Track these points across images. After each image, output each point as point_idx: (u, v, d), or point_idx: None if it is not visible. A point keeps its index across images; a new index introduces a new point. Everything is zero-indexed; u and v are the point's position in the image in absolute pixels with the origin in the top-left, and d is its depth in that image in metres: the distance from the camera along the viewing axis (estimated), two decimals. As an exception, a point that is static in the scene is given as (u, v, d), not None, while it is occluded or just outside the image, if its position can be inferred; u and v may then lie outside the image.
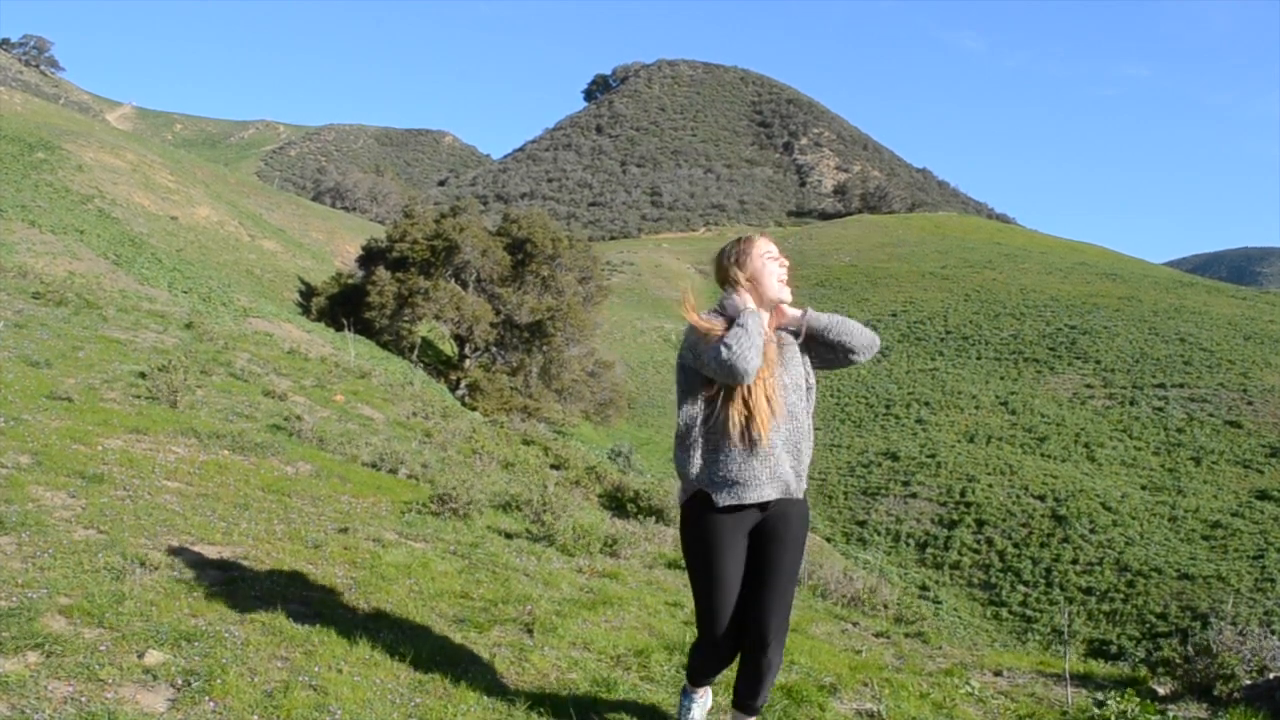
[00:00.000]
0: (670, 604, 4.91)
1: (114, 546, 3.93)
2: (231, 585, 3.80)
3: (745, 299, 2.80)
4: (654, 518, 9.84)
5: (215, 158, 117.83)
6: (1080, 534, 29.15)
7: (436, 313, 33.94)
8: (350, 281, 37.55)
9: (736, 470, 2.71)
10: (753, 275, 2.82)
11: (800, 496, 2.82)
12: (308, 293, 37.09)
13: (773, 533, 2.77)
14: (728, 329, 2.69)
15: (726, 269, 2.86)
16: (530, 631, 3.92)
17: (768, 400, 2.71)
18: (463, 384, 34.16)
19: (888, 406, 43.68)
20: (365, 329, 32.86)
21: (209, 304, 21.47)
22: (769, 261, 2.83)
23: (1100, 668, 4.99)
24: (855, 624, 5.75)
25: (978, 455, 36.16)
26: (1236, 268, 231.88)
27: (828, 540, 28.57)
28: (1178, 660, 4.41)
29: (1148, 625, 24.26)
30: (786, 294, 2.86)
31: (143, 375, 8.63)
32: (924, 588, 27.53)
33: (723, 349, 2.60)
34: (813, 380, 2.87)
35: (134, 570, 3.66)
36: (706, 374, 2.69)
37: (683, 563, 3.45)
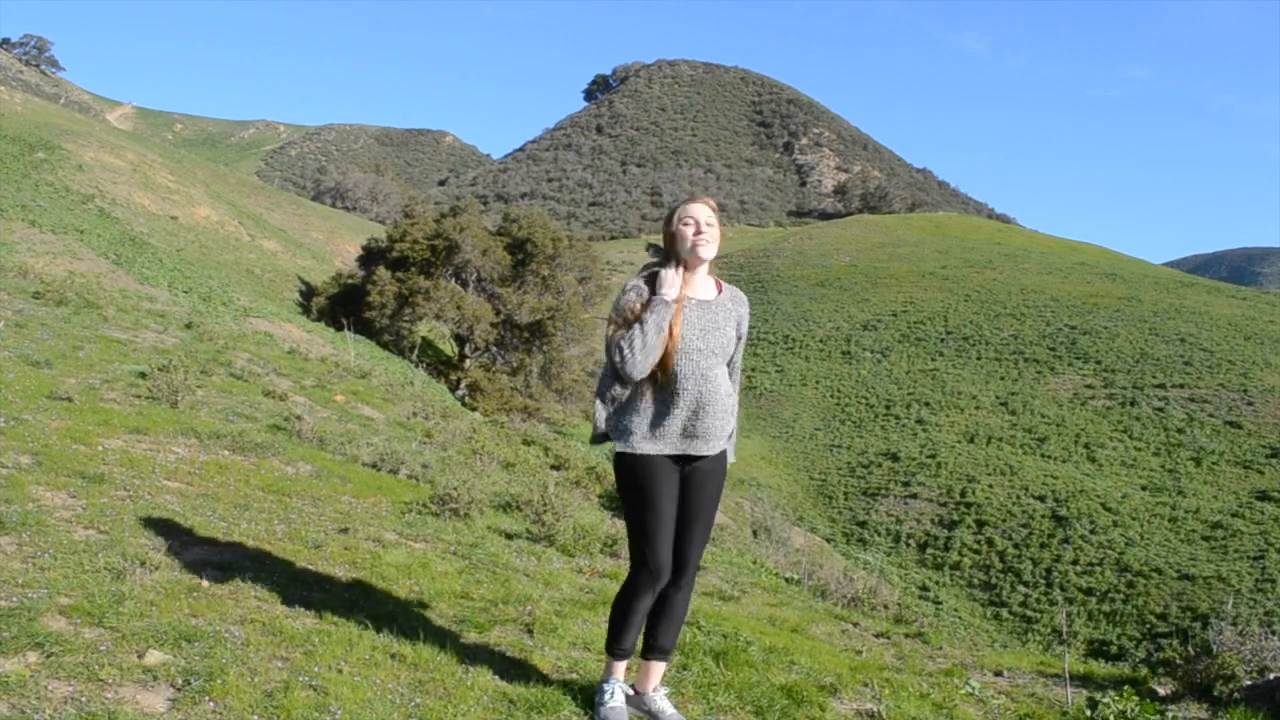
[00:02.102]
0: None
1: (114, 546, 3.93)
2: (231, 585, 3.80)
3: (670, 279, 2.98)
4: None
5: (215, 157, 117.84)
6: (1080, 534, 29.15)
7: (437, 312, 33.93)
8: (350, 281, 37.55)
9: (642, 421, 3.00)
10: (670, 235, 3.05)
11: (713, 454, 3.05)
12: (308, 292, 37.09)
13: (697, 484, 3.04)
14: (646, 305, 2.95)
15: (663, 229, 3.09)
16: (530, 632, 3.92)
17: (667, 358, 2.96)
18: (463, 384, 34.15)
19: (888, 407, 43.69)
20: (365, 329, 32.86)
21: (209, 304, 21.49)
22: (681, 226, 3.00)
23: (1100, 668, 4.99)
24: (855, 624, 5.75)
25: (978, 455, 36.17)
26: (1237, 268, 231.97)
27: (828, 540, 28.57)
28: (1178, 660, 4.41)
29: (1148, 625, 24.27)
30: (704, 253, 3.00)
31: (143, 375, 8.63)
32: (924, 588, 27.54)
33: (617, 352, 2.90)
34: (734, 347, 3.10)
35: (134, 570, 3.66)
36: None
37: None
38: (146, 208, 34.96)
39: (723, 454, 3.10)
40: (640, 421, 2.97)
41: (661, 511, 2.98)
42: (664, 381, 2.95)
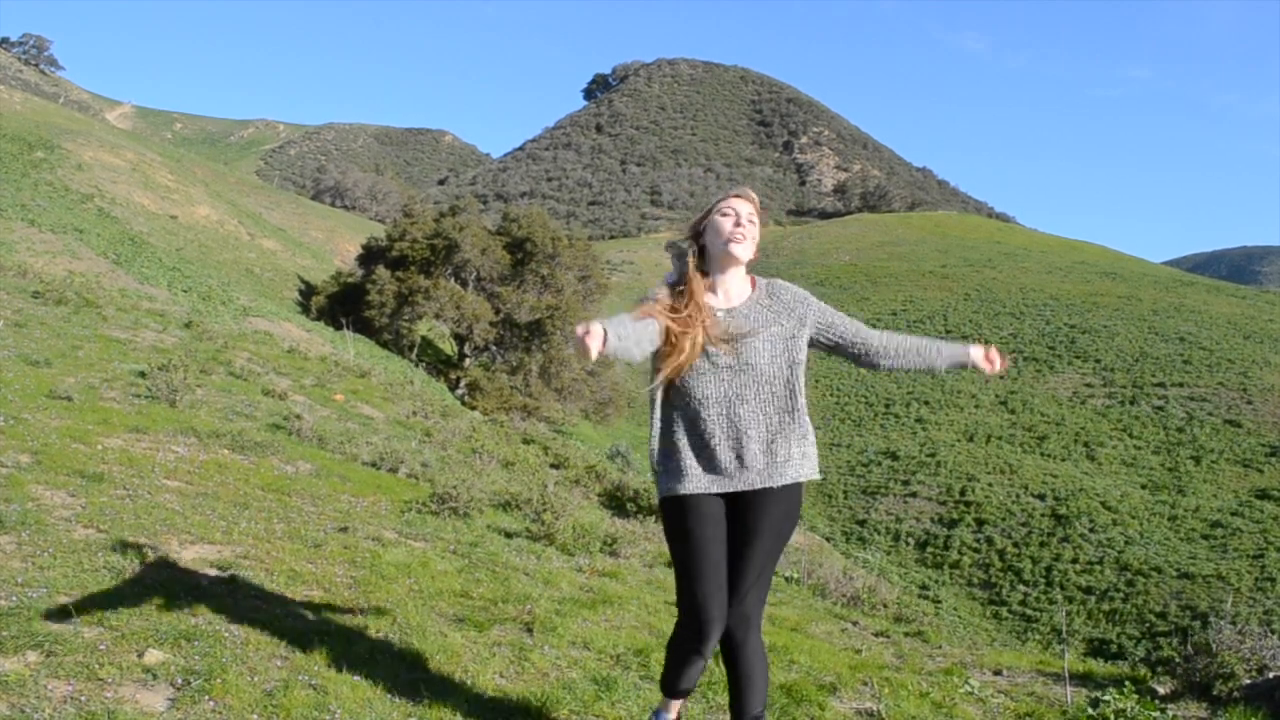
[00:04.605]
0: (670, 603, 4.91)
1: (113, 546, 3.94)
2: (232, 584, 3.80)
3: (663, 288, 2.64)
4: (653, 517, 9.83)
5: (215, 157, 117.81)
6: (1080, 533, 29.17)
7: (436, 312, 33.95)
8: (350, 280, 37.54)
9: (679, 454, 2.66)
10: (705, 227, 2.66)
11: (758, 487, 2.59)
12: (307, 292, 37.10)
13: (743, 522, 2.62)
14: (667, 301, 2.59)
15: (692, 225, 2.71)
16: (530, 630, 3.92)
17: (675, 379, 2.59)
18: (462, 383, 34.15)
19: (887, 405, 43.70)
20: (365, 328, 32.87)
21: (209, 303, 21.48)
22: (719, 217, 2.63)
23: (1100, 667, 4.99)
24: (855, 623, 5.75)
25: (977, 454, 36.18)
26: (1236, 267, 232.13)
27: (827, 540, 28.57)
28: (1177, 659, 4.41)
29: (1148, 624, 24.28)
30: (739, 251, 2.61)
31: (142, 374, 8.63)
32: (924, 587, 27.55)
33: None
34: (787, 365, 2.60)
35: (134, 569, 3.66)
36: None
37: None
38: (146, 207, 34.95)
39: (774, 509, 2.60)
40: (677, 457, 2.60)
41: (704, 555, 2.56)
42: (685, 419, 2.59)
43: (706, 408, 2.56)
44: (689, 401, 2.58)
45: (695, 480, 2.57)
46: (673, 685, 2.76)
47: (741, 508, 2.61)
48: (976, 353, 2.72)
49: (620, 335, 2.41)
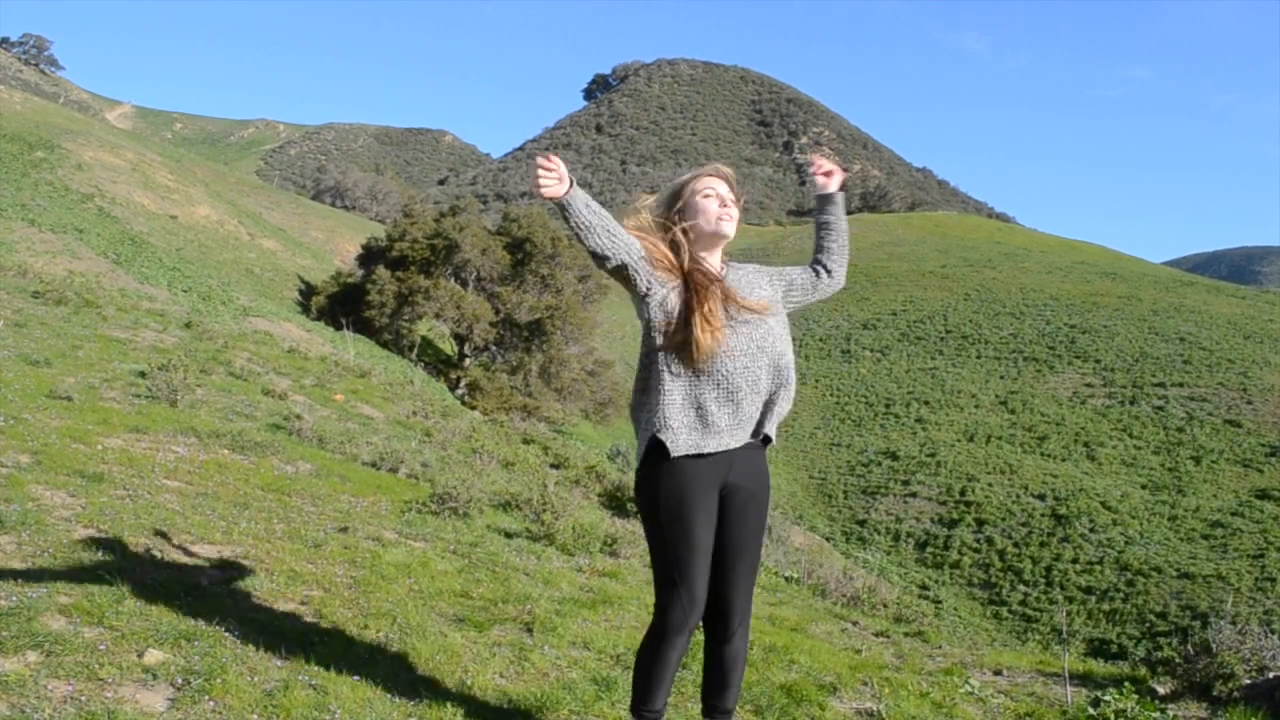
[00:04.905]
0: (670, 603, 4.90)
1: (114, 546, 3.94)
2: (231, 585, 3.80)
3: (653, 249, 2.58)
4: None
5: (215, 156, 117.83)
6: (1080, 533, 29.18)
7: (436, 312, 33.95)
8: (350, 280, 37.54)
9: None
10: (686, 211, 2.60)
11: (770, 431, 2.63)
12: (307, 292, 37.11)
13: (737, 510, 2.59)
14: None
15: (662, 206, 2.65)
16: (530, 631, 3.92)
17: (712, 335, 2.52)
18: (462, 383, 34.15)
19: (887, 406, 43.70)
20: (365, 328, 32.88)
21: (209, 303, 21.48)
22: (701, 199, 2.61)
23: (1100, 667, 4.99)
24: (855, 623, 5.75)
25: (977, 454, 36.19)
26: (1237, 267, 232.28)
27: (827, 539, 28.58)
28: (1177, 659, 4.41)
29: (1148, 624, 24.29)
30: (729, 229, 2.62)
31: (142, 374, 8.63)
32: (924, 587, 27.55)
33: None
34: (784, 323, 2.70)
35: (134, 569, 3.66)
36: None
37: None
38: (146, 207, 34.95)
39: (763, 471, 2.64)
40: (702, 413, 2.51)
41: (703, 530, 2.50)
42: (709, 372, 2.50)
43: (734, 359, 2.51)
44: (715, 358, 2.50)
45: (720, 436, 2.51)
46: (651, 696, 2.56)
47: (733, 493, 2.56)
48: (821, 181, 2.82)
49: (593, 208, 2.41)
